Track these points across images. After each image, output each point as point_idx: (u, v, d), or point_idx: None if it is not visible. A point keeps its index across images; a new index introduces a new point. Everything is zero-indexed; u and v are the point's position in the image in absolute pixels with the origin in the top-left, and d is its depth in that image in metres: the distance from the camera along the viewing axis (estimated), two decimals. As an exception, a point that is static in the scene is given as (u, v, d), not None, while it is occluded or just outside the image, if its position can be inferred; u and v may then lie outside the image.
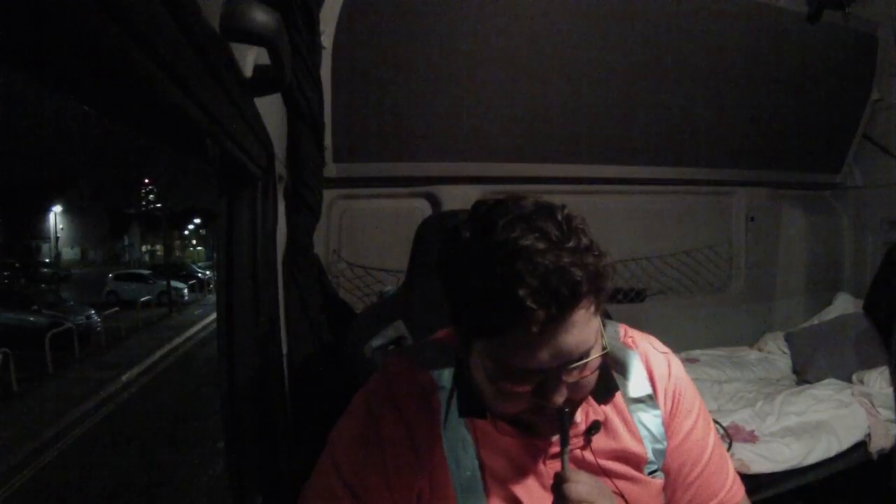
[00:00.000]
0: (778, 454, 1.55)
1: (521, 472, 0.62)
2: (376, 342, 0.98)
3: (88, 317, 10.50)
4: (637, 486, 0.64)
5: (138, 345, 9.92)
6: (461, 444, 0.62)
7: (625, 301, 2.24)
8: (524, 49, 1.72)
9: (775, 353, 2.39)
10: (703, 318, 2.46)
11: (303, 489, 0.64)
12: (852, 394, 1.82)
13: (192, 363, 9.01)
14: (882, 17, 2.12)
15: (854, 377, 1.98)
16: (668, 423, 0.67)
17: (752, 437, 1.63)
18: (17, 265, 22.91)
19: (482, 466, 0.61)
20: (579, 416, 0.62)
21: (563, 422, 0.56)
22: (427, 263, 1.03)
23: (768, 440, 1.61)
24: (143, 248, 36.14)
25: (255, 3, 0.65)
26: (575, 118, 1.93)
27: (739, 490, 0.69)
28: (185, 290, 16.75)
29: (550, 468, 0.62)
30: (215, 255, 1.11)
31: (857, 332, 2.17)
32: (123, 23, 0.37)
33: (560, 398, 0.54)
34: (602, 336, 0.56)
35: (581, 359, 0.53)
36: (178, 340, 10.49)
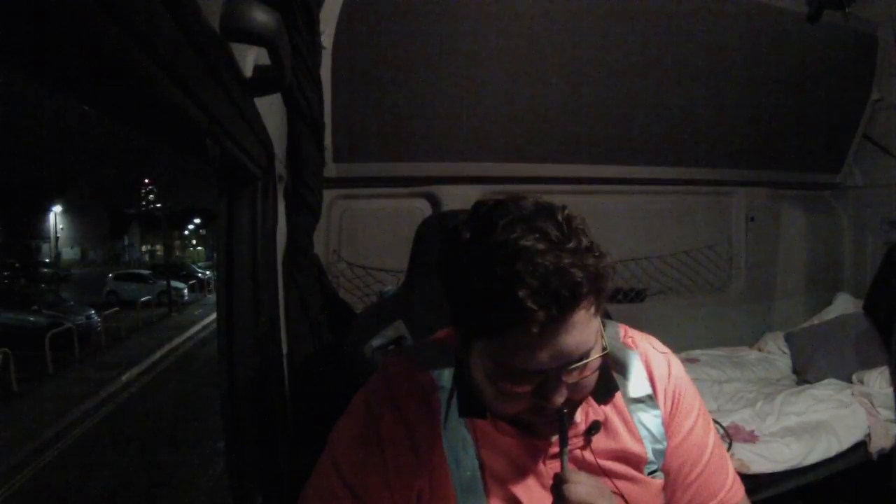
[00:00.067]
0: (778, 454, 1.55)
1: (521, 472, 0.62)
2: (376, 342, 0.98)
3: (88, 317, 10.51)
4: (637, 487, 0.64)
5: (138, 345, 9.92)
6: (461, 444, 0.62)
7: (625, 301, 2.24)
8: (524, 49, 1.72)
9: (775, 353, 2.39)
10: (703, 318, 2.46)
11: (303, 489, 0.65)
12: (852, 394, 1.82)
13: (192, 363, 9.01)
14: (882, 17, 2.12)
15: (854, 377, 1.98)
16: (668, 424, 0.67)
17: (752, 437, 1.63)
18: (17, 265, 22.92)
19: (482, 466, 0.61)
20: (579, 416, 0.62)
21: (562, 423, 0.56)
22: (427, 263, 1.03)
23: (768, 440, 1.61)
24: (143, 248, 36.15)
25: (255, 3, 0.65)
26: (575, 118, 1.93)
27: (739, 490, 0.69)
28: (185, 290, 16.75)
29: (550, 468, 0.62)
30: (215, 255, 1.11)
31: (857, 332, 2.17)
32: (123, 23, 0.37)
33: (560, 399, 0.54)
34: (602, 336, 0.56)
35: (581, 359, 0.53)
36: (178, 340, 10.49)
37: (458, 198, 1.89)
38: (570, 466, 0.57)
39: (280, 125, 1.23)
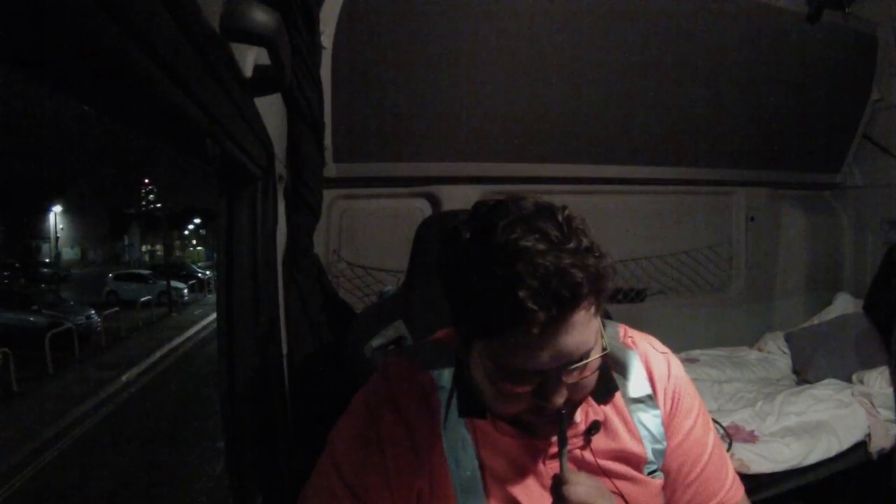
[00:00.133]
0: (778, 454, 1.55)
1: (521, 473, 0.62)
2: (376, 342, 0.98)
3: (88, 317, 10.51)
4: (637, 487, 0.64)
5: (138, 345, 9.92)
6: (461, 444, 0.62)
7: (625, 301, 2.24)
8: (524, 49, 1.72)
9: (775, 353, 2.39)
10: (703, 318, 2.46)
11: (303, 489, 0.65)
12: (852, 394, 1.82)
13: (192, 363, 9.02)
14: (882, 17, 2.12)
15: (854, 377, 1.98)
16: (668, 424, 0.67)
17: (752, 437, 1.63)
18: (17, 265, 22.89)
19: (482, 466, 0.61)
20: (579, 417, 0.62)
21: (561, 423, 0.56)
22: (427, 263, 1.03)
23: (768, 440, 1.61)
24: (143, 248, 36.11)
25: (255, 3, 0.65)
26: (575, 118, 1.93)
27: (739, 490, 0.69)
28: (185, 290, 16.74)
29: (550, 468, 0.61)
30: (215, 255, 1.12)
31: (857, 332, 2.17)
32: (123, 23, 0.37)
33: (560, 399, 0.54)
34: (602, 337, 0.56)
35: (581, 360, 0.53)
36: (178, 340, 10.50)
37: (458, 198, 1.89)
38: (569, 466, 0.57)
39: (280, 125, 1.23)
